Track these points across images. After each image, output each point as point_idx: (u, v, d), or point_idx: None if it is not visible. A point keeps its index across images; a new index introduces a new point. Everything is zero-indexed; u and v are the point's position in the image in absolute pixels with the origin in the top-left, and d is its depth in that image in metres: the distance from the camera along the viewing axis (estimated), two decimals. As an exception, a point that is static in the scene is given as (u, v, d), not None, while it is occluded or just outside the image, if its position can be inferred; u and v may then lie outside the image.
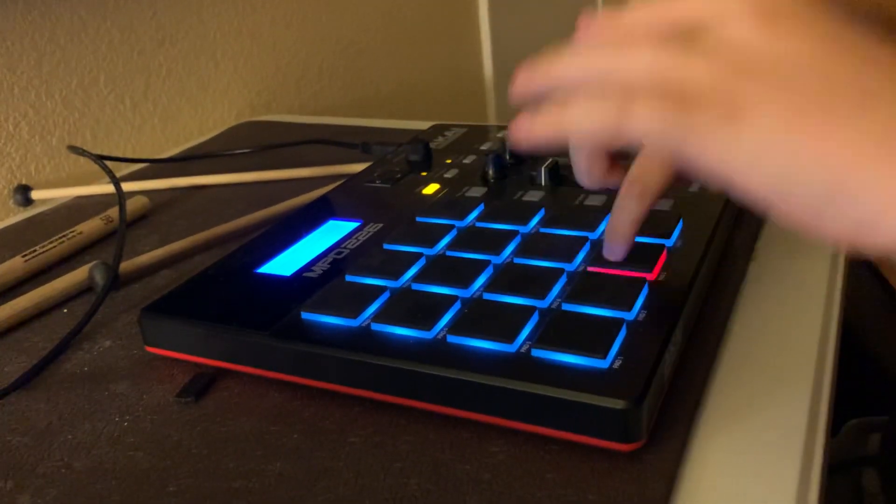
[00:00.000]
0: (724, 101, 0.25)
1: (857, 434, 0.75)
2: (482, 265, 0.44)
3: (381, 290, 0.43)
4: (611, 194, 0.49)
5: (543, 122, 0.29)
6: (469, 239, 0.48)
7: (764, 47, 0.26)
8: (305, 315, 0.42)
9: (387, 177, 0.61)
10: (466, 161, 0.63)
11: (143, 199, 0.69)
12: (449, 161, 0.64)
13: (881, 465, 0.69)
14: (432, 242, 0.48)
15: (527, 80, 0.31)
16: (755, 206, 0.27)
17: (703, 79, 0.26)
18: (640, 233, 0.41)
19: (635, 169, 0.37)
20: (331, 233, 0.52)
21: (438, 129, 0.72)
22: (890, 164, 0.24)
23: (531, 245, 0.46)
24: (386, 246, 0.49)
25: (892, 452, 0.70)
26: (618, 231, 0.40)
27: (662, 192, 0.38)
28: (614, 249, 0.41)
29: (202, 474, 0.37)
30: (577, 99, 0.28)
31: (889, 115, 0.24)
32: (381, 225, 0.52)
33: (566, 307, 0.40)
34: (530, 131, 0.30)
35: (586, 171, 0.35)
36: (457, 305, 0.41)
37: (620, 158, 0.36)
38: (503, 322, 0.39)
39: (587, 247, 0.46)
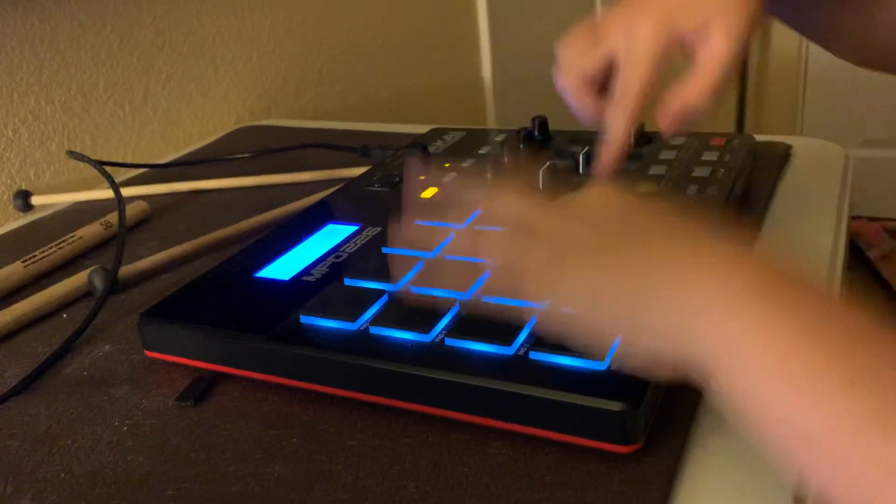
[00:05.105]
0: (551, 265, 0.34)
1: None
2: (480, 268, 0.44)
3: (380, 293, 0.43)
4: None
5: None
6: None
7: (579, 234, 0.35)
8: (304, 319, 0.42)
9: (386, 180, 0.61)
10: (465, 165, 0.63)
11: (143, 204, 0.69)
12: (448, 165, 0.64)
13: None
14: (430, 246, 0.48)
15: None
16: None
17: (537, 254, 0.35)
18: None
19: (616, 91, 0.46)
20: (329, 237, 0.52)
21: (437, 133, 0.72)
22: (677, 288, 0.30)
23: (529, 248, 0.46)
24: (384, 249, 0.49)
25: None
26: (610, 143, 0.47)
27: (641, 100, 0.45)
28: (606, 162, 0.48)
29: (201, 478, 0.37)
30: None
31: (663, 245, 0.32)
32: (379, 229, 0.52)
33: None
34: None
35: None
36: (455, 309, 0.41)
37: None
38: (501, 325, 0.39)
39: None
